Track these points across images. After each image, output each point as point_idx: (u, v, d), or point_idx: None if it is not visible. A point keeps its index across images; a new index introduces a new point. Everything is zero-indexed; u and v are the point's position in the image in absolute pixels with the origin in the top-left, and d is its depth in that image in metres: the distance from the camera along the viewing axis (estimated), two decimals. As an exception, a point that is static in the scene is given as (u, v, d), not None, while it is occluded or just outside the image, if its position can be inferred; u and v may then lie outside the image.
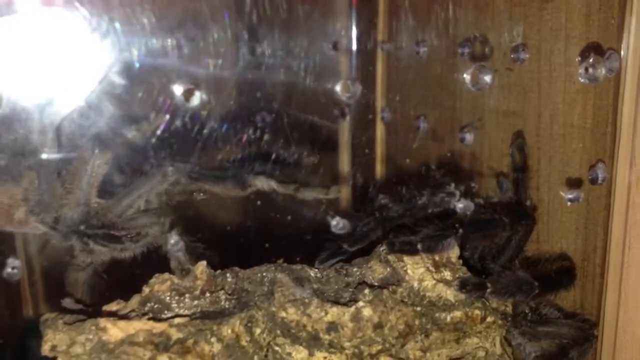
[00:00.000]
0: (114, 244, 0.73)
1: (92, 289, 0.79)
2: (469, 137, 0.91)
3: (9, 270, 0.61)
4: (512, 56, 0.81)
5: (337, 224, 0.67)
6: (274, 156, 0.86)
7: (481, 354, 0.72)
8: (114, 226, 0.74)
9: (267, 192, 0.80)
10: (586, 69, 0.66)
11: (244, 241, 1.01)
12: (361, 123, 1.15)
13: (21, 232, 0.79)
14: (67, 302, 0.71)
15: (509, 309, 0.72)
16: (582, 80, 0.67)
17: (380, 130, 1.15)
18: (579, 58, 0.71)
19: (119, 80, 0.78)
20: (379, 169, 1.16)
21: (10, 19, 0.69)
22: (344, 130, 1.17)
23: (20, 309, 0.91)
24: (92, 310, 0.67)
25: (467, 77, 0.74)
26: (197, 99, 0.72)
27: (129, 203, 0.76)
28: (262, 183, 0.78)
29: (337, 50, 1.12)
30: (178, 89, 0.79)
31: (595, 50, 0.69)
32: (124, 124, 0.79)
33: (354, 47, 1.13)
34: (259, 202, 0.90)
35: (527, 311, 0.73)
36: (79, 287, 0.79)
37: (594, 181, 0.73)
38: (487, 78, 0.74)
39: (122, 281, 0.77)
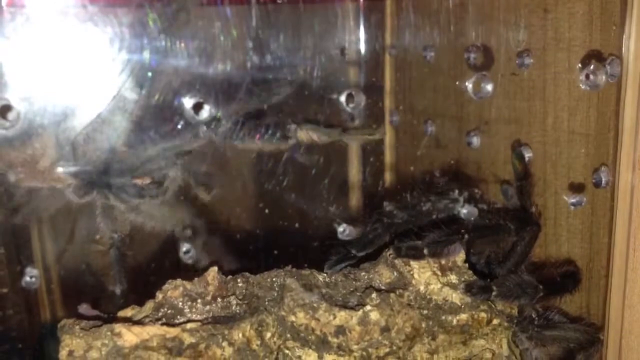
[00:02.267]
0: (134, 196, 0.74)
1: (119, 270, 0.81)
2: (475, 141, 0.92)
3: (27, 279, 0.63)
4: (517, 62, 0.82)
5: (344, 230, 0.68)
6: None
7: (488, 355, 0.74)
8: (135, 172, 0.75)
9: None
10: (587, 76, 0.68)
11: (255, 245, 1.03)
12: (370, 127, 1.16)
13: (44, 185, 0.79)
14: (84, 308, 0.73)
15: (515, 312, 0.73)
16: (583, 87, 0.69)
17: (389, 134, 1.16)
18: (580, 65, 0.72)
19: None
20: (388, 173, 1.17)
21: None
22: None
23: (38, 315, 0.93)
24: (108, 316, 0.69)
25: (469, 85, 0.76)
26: (206, 112, 0.73)
27: (153, 153, 0.76)
28: (304, 134, 0.77)
29: (345, 56, 1.13)
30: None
31: (596, 57, 0.70)
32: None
33: (362, 52, 1.14)
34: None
35: (533, 315, 0.74)
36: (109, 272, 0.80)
37: (597, 185, 0.74)
38: (489, 87, 0.76)
39: (137, 287, 0.79)
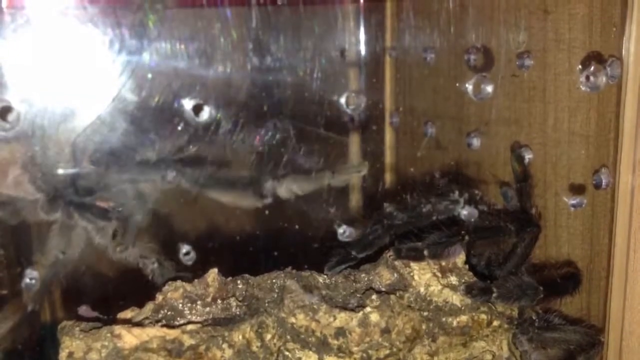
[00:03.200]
0: (99, 217, 0.74)
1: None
2: (475, 142, 0.92)
3: (27, 280, 0.63)
4: (517, 63, 0.82)
5: (344, 232, 0.68)
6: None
7: (488, 357, 0.73)
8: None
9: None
10: (587, 78, 0.68)
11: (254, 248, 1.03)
12: (371, 128, 1.16)
13: (10, 194, 0.78)
14: (83, 310, 0.73)
15: (515, 313, 0.73)
16: (583, 89, 0.69)
17: (389, 135, 1.16)
18: (580, 67, 0.72)
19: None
20: (388, 175, 1.17)
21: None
22: (354, 136, 1.18)
23: (38, 317, 0.93)
24: (107, 318, 0.69)
25: (469, 87, 0.76)
26: (206, 113, 0.73)
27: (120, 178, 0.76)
28: (284, 191, 0.77)
29: (345, 57, 1.13)
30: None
31: (596, 59, 0.70)
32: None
33: (362, 54, 1.14)
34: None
35: (534, 317, 0.74)
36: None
37: (598, 186, 0.74)
38: (489, 88, 0.76)
39: (137, 289, 0.79)
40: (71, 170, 0.76)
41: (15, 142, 0.74)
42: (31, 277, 0.62)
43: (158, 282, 0.85)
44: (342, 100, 0.70)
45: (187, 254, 0.67)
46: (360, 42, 1.13)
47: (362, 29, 1.13)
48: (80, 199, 0.77)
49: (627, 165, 0.71)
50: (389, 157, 1.16)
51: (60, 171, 0.76)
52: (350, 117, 1.13)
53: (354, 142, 1.16)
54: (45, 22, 0.74)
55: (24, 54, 0.73)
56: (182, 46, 0.88)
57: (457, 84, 0.89)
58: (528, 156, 0.82)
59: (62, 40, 0.75)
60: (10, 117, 0.66)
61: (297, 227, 0.96)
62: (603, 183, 0.73)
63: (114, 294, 0.90)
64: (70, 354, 0.65)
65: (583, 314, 0.79)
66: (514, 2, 0.82)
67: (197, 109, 0.76)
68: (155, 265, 0.84)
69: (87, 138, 0.77)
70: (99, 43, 0.77)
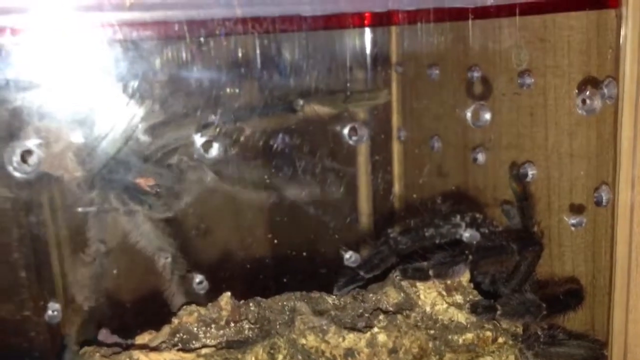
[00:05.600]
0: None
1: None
2: (481, 157, 0.94)
3: (50, 313, 0.66)
4: (518, 81, 0.84)
5: (350, 257, 0.71)
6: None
7: (495, 373, 0.75)
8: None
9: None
10: (583, 101, 0.70)
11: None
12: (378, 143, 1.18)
13: (56, 172, 0.79)
14: (103, 335, 0.76)
15: (519, 330, 0.75)
16: (580, 112, 0.70)
17: (397, 150, 1.18)
18: (577, 91, 0.74)
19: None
20: (397, 189, 1.19)
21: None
22: (362, 150, 1.20)
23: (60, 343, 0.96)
24: (126, 342, 0.72)
25: (468, 114, 0.78)
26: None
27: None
28: (309, 109, 0.78)
29: (352, 71, 1.15)
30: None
31: (592, 82, 0.72)
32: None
33: (368, 69, 1.16)
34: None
35: (539, 333, 0.76)
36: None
37: (598, 203, 0.76)
38: (487, 116, 0.78)
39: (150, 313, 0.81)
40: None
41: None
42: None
43: (167, 276, 0.86)
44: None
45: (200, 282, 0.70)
46: (366, 58, 1.14)
47: (368, 46, 1.14)
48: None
49: (625, 182, 0.72)
50: (396, 170, 1.18)
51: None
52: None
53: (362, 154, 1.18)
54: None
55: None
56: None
57: (457, 110, 0.91)
58: (531, 172, 0.84)
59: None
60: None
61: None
62: (603, 200, 0.75)
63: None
64: (92, 379, 0.68)
65: (587, 328, 0.80)
66: (512, 31, 0.84)
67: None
68: (169, 260, 0.85)
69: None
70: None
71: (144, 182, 0.80)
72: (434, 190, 1.02)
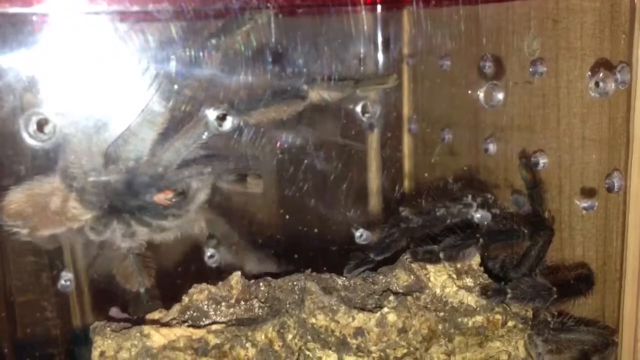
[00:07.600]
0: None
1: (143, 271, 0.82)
2: (492, 147, 0.94)
3: (62, 282, 0.66)
4: (530, 69, 0.84)
5: (361, 235, 0.71)
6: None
7: (504, 357, 0.75)
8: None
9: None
10: (596, 84, 0.70)
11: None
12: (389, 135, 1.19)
13: (60, 228, 0.78)
14: (114, 312, 0.76)
15: (529, 314, 0.75)
16: (592, 95, 0.70)
17: (407, 141, 1.19)
18: (590, 73, 0.74)
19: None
20: (407, 181, 1.19)
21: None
22: (373, 142, 1.20)
23: (70, 319, 0.96)
24: (136, 318, 0.72)
25: (480, 94, 0.78)
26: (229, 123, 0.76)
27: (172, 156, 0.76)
28: (315, 95, 0.78)
29: (364, 65, 1.15)
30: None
31: (605, 65, 0.72)
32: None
33: (380, 61, 1.16)
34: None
35: (548, 319, 0.76)
36: (129, 276, 0.82)
37: (610, 189, 0.76)
38: (500, 95, 0.78)
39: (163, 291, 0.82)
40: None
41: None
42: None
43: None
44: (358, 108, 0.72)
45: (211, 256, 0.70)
46: (378, 49, 1.15)
47: (379, 37, 1.15)
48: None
49: (638, 168, 0.72)
50: (407, 162, 1.19)
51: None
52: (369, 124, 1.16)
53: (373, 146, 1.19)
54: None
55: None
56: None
57: (469, 92, 0.91)
58: (543, 161, 0.84)
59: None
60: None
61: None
62: (615, 186, 0.75)
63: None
64: (102, 353, 0.68)
65: (597, 315, 0.80)
66: (525, 12, 0.84)
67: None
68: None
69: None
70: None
71: (163, 197, 0.80)
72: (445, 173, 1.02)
